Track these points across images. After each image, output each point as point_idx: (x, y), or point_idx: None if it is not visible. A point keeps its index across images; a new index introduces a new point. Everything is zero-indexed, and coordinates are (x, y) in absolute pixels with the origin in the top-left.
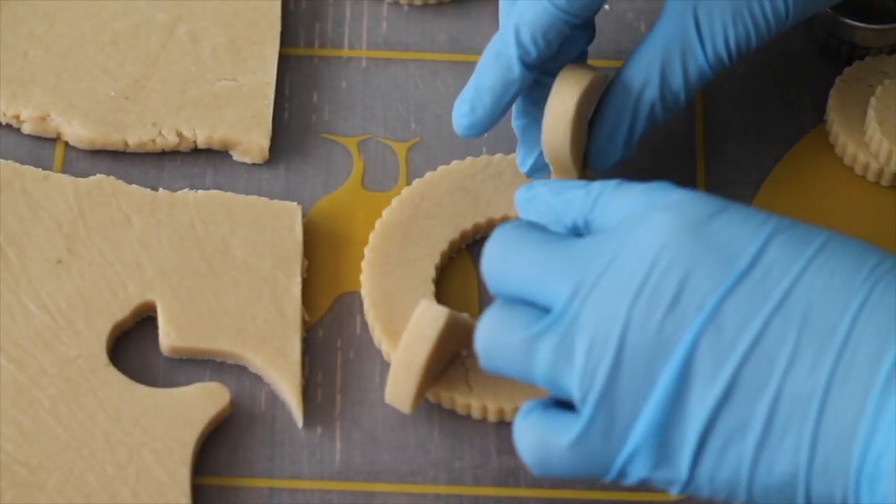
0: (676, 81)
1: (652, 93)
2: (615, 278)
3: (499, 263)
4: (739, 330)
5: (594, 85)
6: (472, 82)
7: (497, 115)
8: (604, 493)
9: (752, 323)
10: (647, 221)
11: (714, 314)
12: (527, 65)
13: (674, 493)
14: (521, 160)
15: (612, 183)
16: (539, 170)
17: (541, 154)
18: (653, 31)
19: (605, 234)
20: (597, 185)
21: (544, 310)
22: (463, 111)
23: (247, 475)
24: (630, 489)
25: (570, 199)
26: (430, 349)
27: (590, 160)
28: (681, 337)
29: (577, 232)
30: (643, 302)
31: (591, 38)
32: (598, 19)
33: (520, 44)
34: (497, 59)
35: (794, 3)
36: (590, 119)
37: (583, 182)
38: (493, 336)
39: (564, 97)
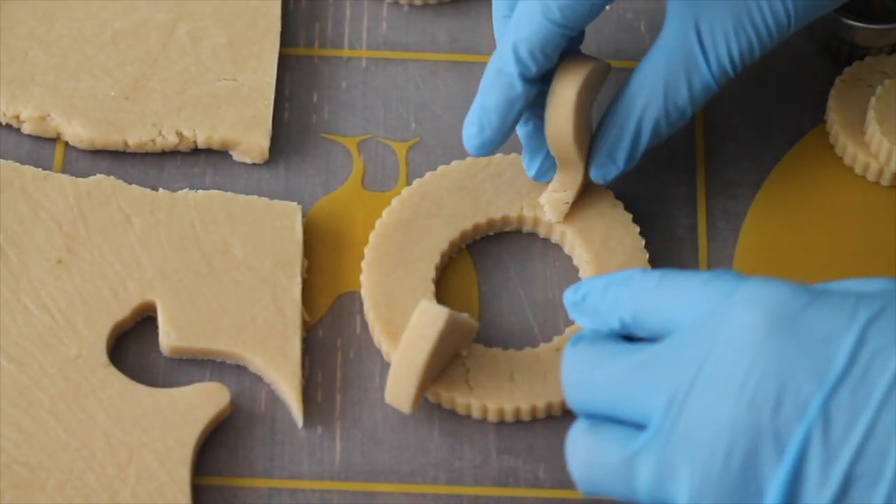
0: (682, 98)
1: (656, 110)
2: (710, 385)
3: (581, 386)
4: (847, 427)
5: (595, 73)
6: (478, 102)
7: (505, 131)
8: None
9: (859, 419)
10: (729, 320)
11: (819, 414)
12: (528, 80)
13: None
14: (528, 164)
15: (653, 275)
16: (546, 172)
17: (546, 156)
18: (654, 48)
19: (683, 334)
20: (637, 277)
21: (636, 426)
22: (472, 132)
23: (247, 475)
24: None
25: (614, 297)
26: (430, 349)
27: (590, 172)
28: (787, 441)
29: (626, 329)
30: (744, 409)
31: (580, 41)
32: (598, 19)
33: (519, 61)
34: (498, 77)
35: (795, 10)
36: (593, 132)
37: (623, 275)
38: (588, 460)
39: (566, 86)
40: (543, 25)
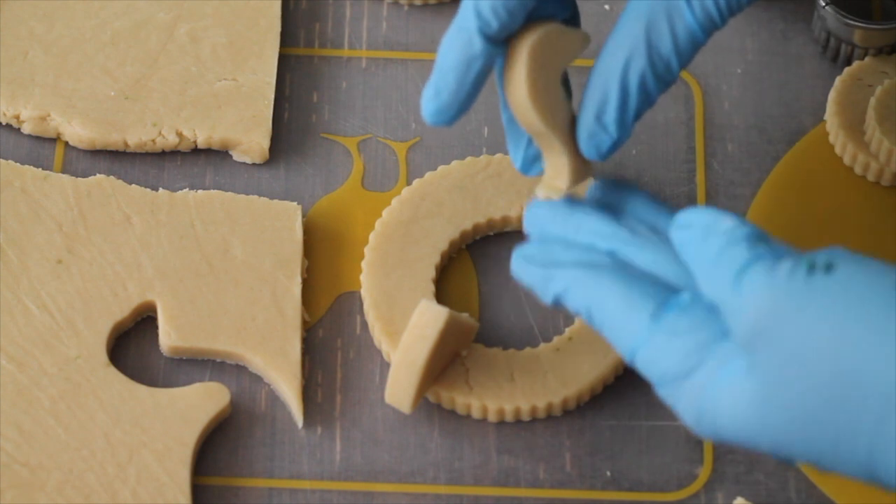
0: (665, 46)
1: (640, 62)
2: None
3: None
4: None
5: (560, 37)
6: (436, 62)
7: (463, 97)
8: (604, 494)
9: None
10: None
11: None
12: (489, 38)
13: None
14: (513, 155)
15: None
16: (532, 162)
17: (529, 144)
18: None
19: None
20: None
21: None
22: (428, 95)
23: (247, 475)
24: (629, 489)
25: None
26: (430, 349)
27: (581, 146)
28: None
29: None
30: None
31: (569, 19)
32: (598, 19)
33: (479, 15)
34: (458, 35)
35: None
36: (574, 95)
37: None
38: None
39: (520, 42)
40: None
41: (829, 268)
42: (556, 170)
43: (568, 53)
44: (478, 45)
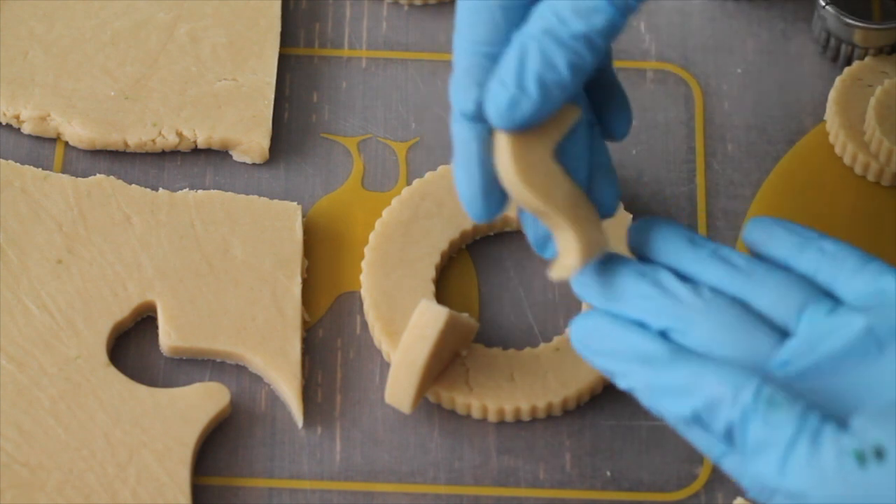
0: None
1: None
2: None
3: None
4: None
5: None
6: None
7: (480, 183)
8: (604, 494)
9: None
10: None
11: None
12: (474, 118)
13: None
14: (528, 236)
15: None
16: (545, 241)
17: (536, 222)
18: None
19: None
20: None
21: None
22: (459, 197)
23: (247, 475)
24: (629, 489)
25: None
26: (430, 349)
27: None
28: None
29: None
30: None
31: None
32: None
33: (455, 99)
34: (453, 125)
35: None
36: (577, 186)
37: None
38: None
39: (499, 130)
40: (468, 50)
41: (879, 454)
42: (565, 248)
43: (558, 127)
44: (466, 127)
